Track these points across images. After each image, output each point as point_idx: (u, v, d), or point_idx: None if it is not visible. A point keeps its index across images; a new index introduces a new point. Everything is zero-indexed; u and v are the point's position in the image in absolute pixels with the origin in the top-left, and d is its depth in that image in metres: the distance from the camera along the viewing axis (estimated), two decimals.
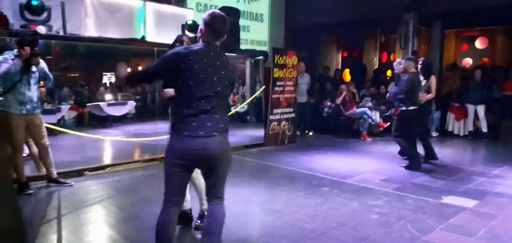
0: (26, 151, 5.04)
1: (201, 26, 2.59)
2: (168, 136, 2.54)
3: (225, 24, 2.56)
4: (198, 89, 2.46)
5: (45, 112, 8.72)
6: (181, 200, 2.63)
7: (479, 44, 12.08)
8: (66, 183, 4.92)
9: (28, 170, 4.88)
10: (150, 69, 2.62)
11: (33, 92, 4.52)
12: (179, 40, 3.33)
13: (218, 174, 2.60)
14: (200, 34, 2.61)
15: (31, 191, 4.62)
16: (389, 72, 11.44)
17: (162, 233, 2.55)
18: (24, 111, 4.46)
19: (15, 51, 4.38)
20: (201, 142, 2.44)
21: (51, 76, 4.68)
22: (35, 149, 4.91)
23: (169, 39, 6.57)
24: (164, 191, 2.57)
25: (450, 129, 9.59)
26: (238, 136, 8.80)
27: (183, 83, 2.46)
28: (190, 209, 3.64)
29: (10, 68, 4.26)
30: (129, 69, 2.98)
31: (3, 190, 1.16)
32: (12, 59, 4.31)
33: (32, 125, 4.59)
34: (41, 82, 4.70)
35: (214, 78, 2.50)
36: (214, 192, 2.63)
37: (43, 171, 4.92)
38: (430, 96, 6.53)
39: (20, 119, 4.44)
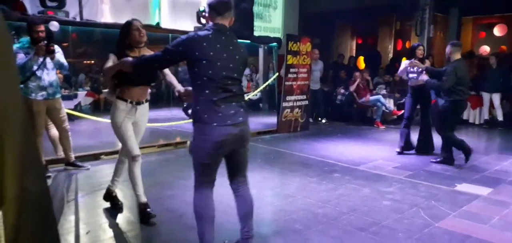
0: None
1: (206, 10, 2.61)
2: (196, 125, 2.53)
3: (226, 3, 2.55)
4: (218, 76, 2.46)
5: (63, 98, 8.88)
6: (215, 179, 2.68)
7: (497, 31, 11.80)
8: (83, 167, 5.03)
9: (46, 154, 4.99)
10: (159, 55, 2.63)
11: (51, 76, 4.58)
12: (132, 26, 3.32)
13: (242, 157, 2.68)
14: (206, 20, 2.63)
15: (49, 174, 4.75)
16: (403, 60, 11.29)
17: (208, 213, 2.61)
18: (45, 96, 4.52)
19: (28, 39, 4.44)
20: (229, 130, 2.48)
21: (66, 64, 4.76)
22: (53, 132, 5.02)
23: (184, 26, 6.63)
24: (200, 178, 2.60)
25: (465, 117, 9.44)
26: (251, 123, 8.67)
27: (201, 71, 2.45)
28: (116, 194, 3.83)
29: (27, 63, 4.33)
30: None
31: (32, 158, 1.22)
32: (26, 51, 4.37)
33: (53, 109, 4.67)
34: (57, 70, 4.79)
35: (230, 65, 2.51)
36: (239, 174, 2.72)
37: (61, 154, 5.04)
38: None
39: (41, 105, 4.51)
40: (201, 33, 2.52)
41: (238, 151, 2.63)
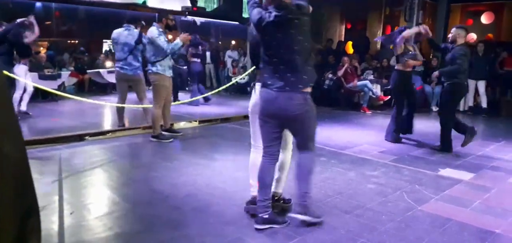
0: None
1: None
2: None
3: None
4: None
5: (46, 78, 8.72)
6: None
7: (484, 19, 11.93)
8: (178, 133, 5.72)
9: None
10: None
11: None
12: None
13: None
14: None
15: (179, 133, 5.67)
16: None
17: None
18: (171, 74, 5.55)
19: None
20: None
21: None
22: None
23: (171, 5, 6.52)
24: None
25: None
26: (238, 106, 8.81)
27: None
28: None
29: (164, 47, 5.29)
30: None
31: (9, 125, 1.21)
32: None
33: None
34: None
35: None
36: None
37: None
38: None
39: (170, 80, 5.55)
40: None
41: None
